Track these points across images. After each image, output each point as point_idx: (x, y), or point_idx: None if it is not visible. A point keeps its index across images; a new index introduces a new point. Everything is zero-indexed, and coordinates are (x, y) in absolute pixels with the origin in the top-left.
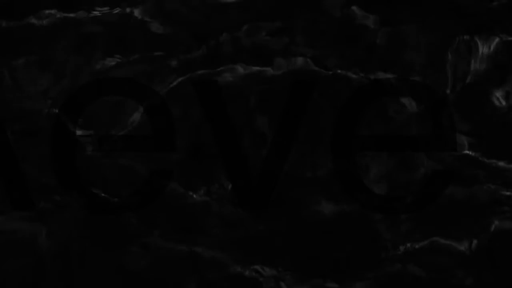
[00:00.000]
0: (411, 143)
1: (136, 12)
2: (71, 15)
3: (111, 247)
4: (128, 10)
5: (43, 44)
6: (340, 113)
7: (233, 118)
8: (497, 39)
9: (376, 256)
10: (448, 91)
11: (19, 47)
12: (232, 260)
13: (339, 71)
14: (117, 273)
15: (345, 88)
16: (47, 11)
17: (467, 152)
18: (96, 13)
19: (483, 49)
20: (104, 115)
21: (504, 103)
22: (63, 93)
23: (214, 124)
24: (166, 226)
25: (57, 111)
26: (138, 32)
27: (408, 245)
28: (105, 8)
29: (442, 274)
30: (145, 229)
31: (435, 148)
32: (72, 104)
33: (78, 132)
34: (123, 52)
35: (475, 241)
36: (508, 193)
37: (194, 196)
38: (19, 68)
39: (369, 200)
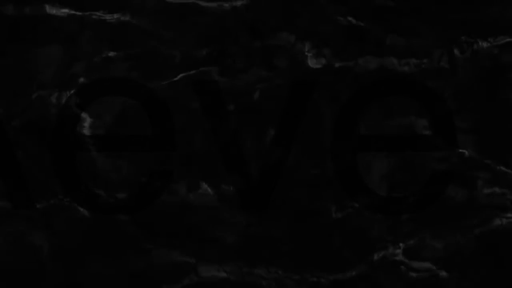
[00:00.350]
0: (411, 143)
1: (140, 15)
2: (77, 13)
3: (111, 247)
4: (129, 15)
5: (48, 35)
6: (340, 113)
7: (233, 118)
8: (503, 40)
9: (376, 255)
10: (451, 92)
11: (25, 36)
12: (234, 263)
13: (344, 63)
14: (116, 274)
15: (346, 87)
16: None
17: (470, 153)
18: (100, 14)
19: (486, 50)
20: (104, 115)
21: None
22: (64, 86)
23: (214, 124)
24: (166, 227)
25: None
26: (142, 32)
27: (410, 242)
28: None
29: (439, 274)
30: (145, 229)
31: (435, 148)
32: (72, 104)
33: (78, 132)
34: (126, 48)
35: (475, 241)
36: None
37: (194, 196)
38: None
39: (370, 200)
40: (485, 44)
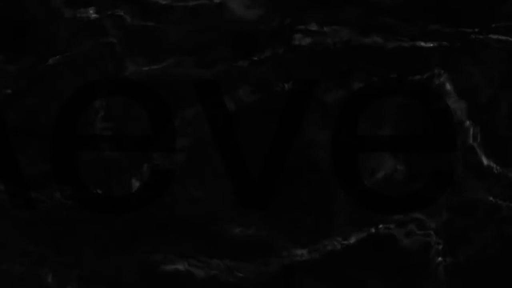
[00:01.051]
0: (411, 143)
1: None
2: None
3: (111, 247)
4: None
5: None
6: (340, 113)
7: (233, 117)
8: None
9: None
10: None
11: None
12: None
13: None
14: (116, 274)
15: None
16: None
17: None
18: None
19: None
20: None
21: None
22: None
23: (214, 123)
24: (167, 225)
25: None
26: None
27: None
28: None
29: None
30: (145, 229)
31: (435, 148)
32: (72, 104)
33: (79, 132)
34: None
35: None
36: None
37: (195, 195)
38: None
39: (369, 199)
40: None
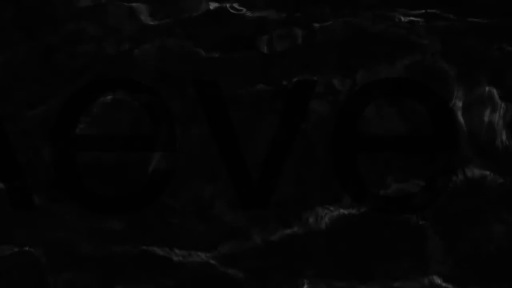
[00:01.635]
0: (411, 143)
1: None
2: None
3: (111, 247)
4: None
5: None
6: (340, 112)
7: (233, 117)
8: None
9: None
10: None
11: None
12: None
13: None
14: (117, 272)
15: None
16: None
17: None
18: None
19: None
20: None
21: None
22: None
23: (214, 123)
24: (167, 227)
25: None
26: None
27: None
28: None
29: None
30: (145, 229)
31: (435, 148)
32: (72, 104)
33: (79, 132)
34: None
35: None
36: None
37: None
38: None
39: (369, 200)
40: None
